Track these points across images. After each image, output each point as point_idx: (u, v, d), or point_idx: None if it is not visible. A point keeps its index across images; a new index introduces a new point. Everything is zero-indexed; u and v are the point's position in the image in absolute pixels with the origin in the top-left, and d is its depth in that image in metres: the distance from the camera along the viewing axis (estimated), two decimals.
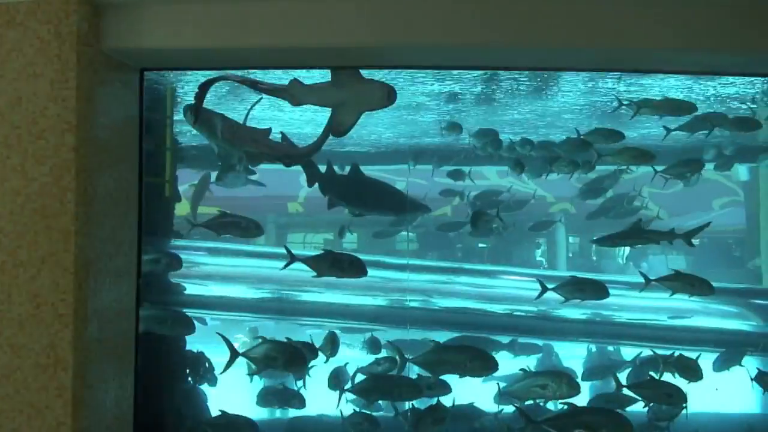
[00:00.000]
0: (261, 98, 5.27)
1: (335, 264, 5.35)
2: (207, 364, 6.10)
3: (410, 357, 5.20)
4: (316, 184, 6.41)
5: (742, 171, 9.41)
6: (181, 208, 7.00)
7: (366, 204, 6.54)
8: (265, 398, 6.36)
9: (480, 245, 10.59)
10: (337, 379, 5.89)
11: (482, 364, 5.07)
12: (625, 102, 6.01)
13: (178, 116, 5.70)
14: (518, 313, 7.28)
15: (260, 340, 5.36)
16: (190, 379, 6.09)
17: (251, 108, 5.39)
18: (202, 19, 3.91)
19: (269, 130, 5.15)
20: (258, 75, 5.55)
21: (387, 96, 4.24)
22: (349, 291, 7.40)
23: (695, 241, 11.97)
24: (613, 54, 4.12)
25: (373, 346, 6.71)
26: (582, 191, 8.22)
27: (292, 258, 5.37)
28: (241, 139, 5.19)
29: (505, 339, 6.84)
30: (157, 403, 5.40)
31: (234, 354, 5.08)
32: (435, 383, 5.38)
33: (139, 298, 4.40)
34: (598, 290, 5.75)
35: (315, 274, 5.34)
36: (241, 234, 5.95)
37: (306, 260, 5.36)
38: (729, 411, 6.36)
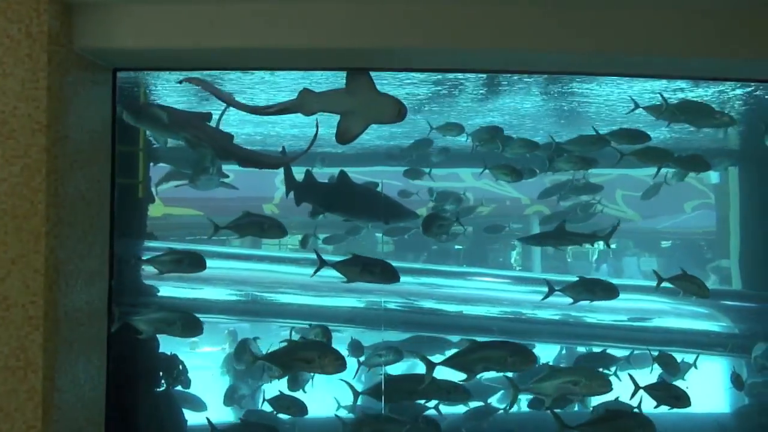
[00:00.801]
0: (228, 108, 5.25)
1: (366, 269, 5.32)
2: (180, 367, 6.06)
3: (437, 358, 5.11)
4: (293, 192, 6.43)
5: (713, 174, 9.51)
6: (155, 210, 6.97)
7: (352, 211, 6.51)
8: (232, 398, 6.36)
9: (456, 247, 10.64)
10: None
11: (523, 359, 4.99)
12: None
13: None
14: (491, 315, 7.33)
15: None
16: (163, 381, 6.06)
17: (221, 115, 5.44)
18: (175, 19, 3.89)
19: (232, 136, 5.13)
20: (231, 75, 5.59)
21: (398, 112, 4.22)
22: (324, 293, 7.40)
23: (666, 244, 12.15)
24: (593, 57, 4.17)
25: (356, 349, 6.71)
26: (541, 194, 8.32)
27: (321, 263, 5.35)
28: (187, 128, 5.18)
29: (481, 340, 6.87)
30: (130, 405, 5.36)
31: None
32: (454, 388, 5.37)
33: (112, 299, 4.37)
34: (608, 291, 5.74)
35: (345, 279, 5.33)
36: (263, 235, 5.90)
37: (336, 265, 5.31)
38: (699, 411, 6.43)
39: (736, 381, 6.34)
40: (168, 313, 5.40)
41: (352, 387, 5.61)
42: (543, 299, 5.75)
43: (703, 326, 7.18)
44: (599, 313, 7.17)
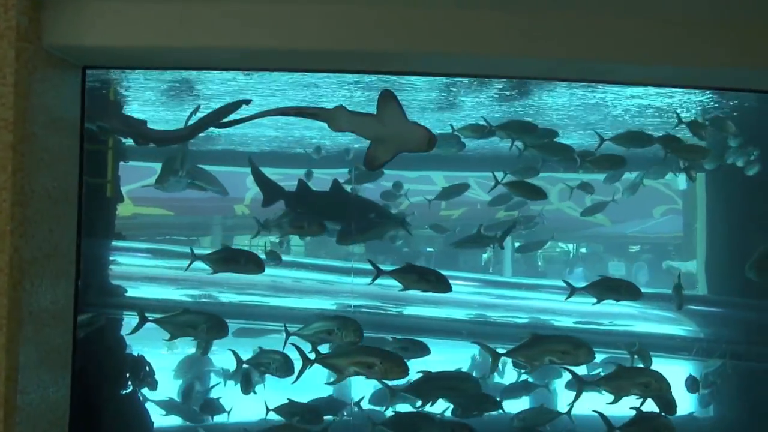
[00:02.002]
0: (199, 106, 5.37)
1: (422, 278, 5.47)
2: (147, 368, 6.01)
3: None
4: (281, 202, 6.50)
5: (680, 179, 9.65)
6: (123, 209, 6.91)
7: (342, 218, 6.50)
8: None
9: (428, 249, 10.68)
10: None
11: (586, 352, 5.13)
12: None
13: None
14: (461, 318, 7.37)
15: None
16: (130, 383, 6.00)
17: (192, 113, 5.46)
18: (147, 17, 3.85)
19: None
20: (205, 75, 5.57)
21: (427, 141, 4.23)
22: (294, 295, 7.40)
23: (635, 248, 12.31)
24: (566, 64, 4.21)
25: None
26: (492, 201, 8.45)
27: (378, 272, 5.44)
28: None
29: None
30: (95, 408, 5.29)
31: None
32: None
33: (78, 300, 4.31)
34: (632, 292, 5.87)
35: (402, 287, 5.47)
36: (306, 233, 6.09)
37: (392, 273, 5.43)
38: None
39: (692, 385, 6.42)
40: (193, 315, 5.42)
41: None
42: (566, 299, 5.89)
43: (669, 330, 7.29)
44: (567, 316, 7.25)
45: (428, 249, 10.78)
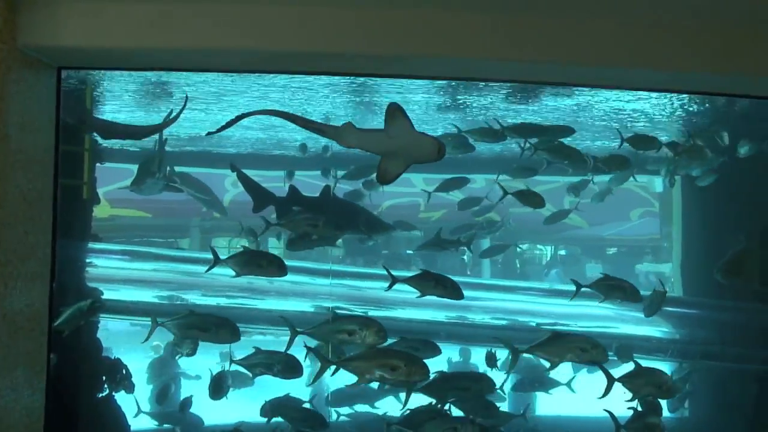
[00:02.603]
0: (171, 111, 5.38)
1: (438, 284, 5.56)
2: (124, 371, 5.97)
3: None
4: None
5: (657, 182, 9.75)
6: (100, 211, 6.84)
7: (334, 224, 6.49)
8: None
9: (407, 252, 10.69)
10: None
11: (602, 351, 5.29)
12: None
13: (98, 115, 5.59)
14: (438, 319, 7.38)
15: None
16: (106, 386, 5.95)
17: (174, 116, 5.45)
18: (123, 18, 3.83)
19: None
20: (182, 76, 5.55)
21: (437, 151, 4.22)
22: (271, 297, 7.37)
23: (612, 250, 12.40)
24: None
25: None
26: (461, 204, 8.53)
27: (393, 280, 5.49)
28: None
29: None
30: (71, 411, 5.25)
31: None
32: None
33: (53, 302, 4.27)
34: (633, 292, 5.98)
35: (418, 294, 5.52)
36: (318, 233, 6.10)
37: (408, 280, 5.50)
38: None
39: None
40: (203, 318, 5.39)
41: None
42: (572, 298, 5.90)
43: (645, 332, 7.34)
44: (545, 318, 7.29)
45: (408, 251, 10.79)
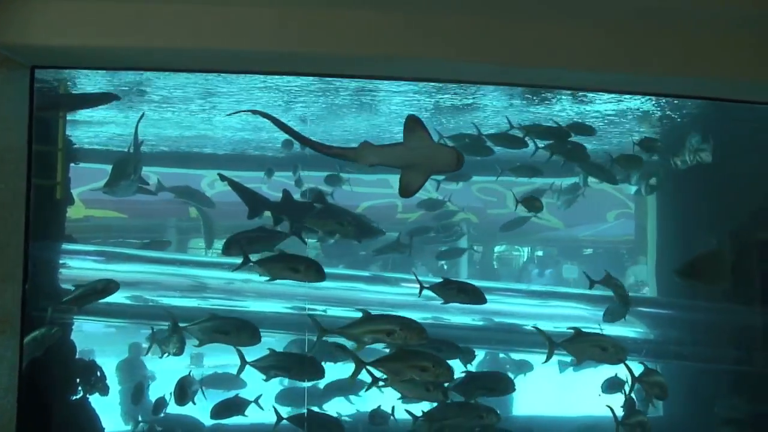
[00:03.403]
0: (143, 114, 5.52)
1: (461, 292, 5.71)
2: (99, 373, 5.92)
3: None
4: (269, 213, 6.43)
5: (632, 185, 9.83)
6: (74, 212, 6.80)
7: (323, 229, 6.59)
8: None
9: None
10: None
11: (621, 351, 5.52)
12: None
13: (72, 115, 5.54)
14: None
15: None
16: (80, 389, 5.90)
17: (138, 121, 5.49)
18: (97, 17, 3.80)
19: None
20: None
21: (456, 160, 4.28)
22: (248, 298, 7.35)
23: (588, 251, 12.48)
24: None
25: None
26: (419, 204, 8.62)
27: (421, 287, 5.61)
28: None
29: None
30: (44, 413, 5.19)
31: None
32: None
33: (26, 303, 4.23)
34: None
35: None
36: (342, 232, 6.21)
37: (433, 288, 5.66)
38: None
39: (610, 387, 6.52)
40: (223, 321, 5.39)
41: None
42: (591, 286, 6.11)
43: (618, 332, 7.39)
44: (519, 318, 7.32)
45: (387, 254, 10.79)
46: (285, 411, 6.02)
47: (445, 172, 4.56)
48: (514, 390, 6.07)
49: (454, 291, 5.70)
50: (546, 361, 5.65)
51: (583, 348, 5.56)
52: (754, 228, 7.59)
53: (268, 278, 5.24)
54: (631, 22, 4.12)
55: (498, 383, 6.02)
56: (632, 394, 6.04)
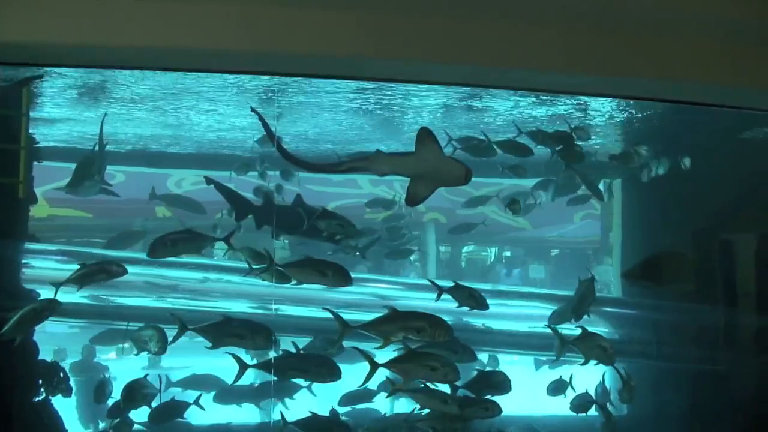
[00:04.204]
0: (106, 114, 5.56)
1: (472, 296, 5.88)
2: (61, 374, 5.84)
3: None
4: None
5: (600, 186, 9.94)
6: (38, 211, 6.70)
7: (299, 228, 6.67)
8: None
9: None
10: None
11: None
12: None
13: (36, 112, 5.47)
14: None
15: None
16: (42, 390, 5.82)
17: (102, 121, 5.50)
18: (61, 14, 3.75)
19: None
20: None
21: (464, 175, 4.38)
22: (213, 298, 7.31)
23: (554, 252, 12.60)
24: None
25: None
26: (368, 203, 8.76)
27: (440, 291, 5.74)
28: None
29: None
30: (5, 415, 5.12)
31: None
32: None
33: None
34: None
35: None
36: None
37: (449, 290, 5.80)
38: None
39: (556, 388, 6.62)
40: (240, 325, 5.33)
41: None
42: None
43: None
44: (486, 318, 7.36)
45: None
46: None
47: (452, 186, 4.62)
48: (510, 389, 6.15)
49: (466, 294, 5.89)
50: (556, 360, 5.99)
51: (590, 347, 5.79)
52: (717, 229, 7.72)
53: (295, 282, 5.35)
54: (598, 25, 4.18)
55: (502, 382, 6.15)
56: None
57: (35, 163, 6.34)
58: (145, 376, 5.82)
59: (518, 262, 12.35)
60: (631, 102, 6.38)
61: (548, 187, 8.00)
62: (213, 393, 6.62)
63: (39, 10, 3.77)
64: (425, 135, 4.29)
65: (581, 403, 6.48)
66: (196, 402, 6.06)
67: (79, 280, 5.14)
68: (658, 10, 4.26)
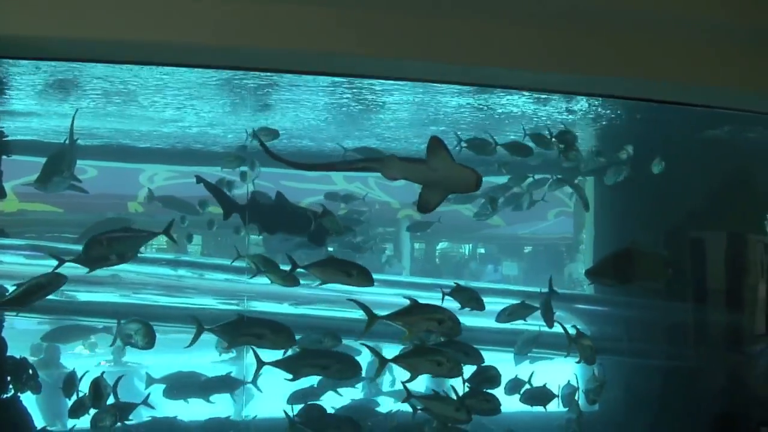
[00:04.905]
0: (77, 111, 5.57)
1: (473, 298, 6.10)
2: (30, 371, 5.77)
3: None
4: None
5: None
6: (7, 205, 6.61)
7: (283, 227, 6.91)
8: None
9: (328, 249, 10.67)
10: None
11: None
12: None
13: (4, 106, 5.38)
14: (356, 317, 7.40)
15: None
16: (11, 387, 5.75)
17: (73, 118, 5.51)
18: (23, 4, 3.69)
19: None
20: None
21: (476, 182, 4.44)
22: (184, 294, 7.27)
23: (528, 249, 12.67)
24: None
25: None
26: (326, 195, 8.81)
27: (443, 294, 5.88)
28: None
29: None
30: None
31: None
32: None
33: None
34: None
35: None
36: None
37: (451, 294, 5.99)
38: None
39: (513, 387, 6.68)
40: (261, 326, 5.40)
41: None
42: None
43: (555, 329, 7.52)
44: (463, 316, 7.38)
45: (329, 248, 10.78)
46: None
47: (464, 192, 4.84)
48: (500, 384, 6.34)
49: (468, 297, 6.06)
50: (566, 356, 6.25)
51: (586, 347, 6.09)
52: (689, 227, 7.82)
53: (320, 283, 5.45)
54: (571, 23, 4.21)
55: (494, 377, 6.30)
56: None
57: (4, 157, 6.26)
58: (102, 374, 5.71)
59: (492, 259, 12.41)
60: (599, 100, 6.45)
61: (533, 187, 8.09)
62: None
63: (3, 1, 3.71)
64: (436, 144, 4.36)
65: (533, 396, 6.61)
66: (145, 402, 5.96)
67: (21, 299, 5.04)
68: (638, 11, 4.31)
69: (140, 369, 7.01)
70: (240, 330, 5.44)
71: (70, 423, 5.64)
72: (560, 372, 6.90)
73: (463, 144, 6.83)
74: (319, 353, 5.90)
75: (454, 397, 5.71)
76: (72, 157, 5.81)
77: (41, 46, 4.00)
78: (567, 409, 6.71)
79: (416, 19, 4.01)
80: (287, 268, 5.61)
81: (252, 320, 5.55)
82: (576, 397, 6.70)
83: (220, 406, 6.64)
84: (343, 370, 5.76)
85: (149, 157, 8.66)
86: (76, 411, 5.63)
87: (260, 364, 5.49)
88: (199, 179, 6.98)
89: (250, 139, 6.71)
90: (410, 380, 5.34)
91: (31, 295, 4.98)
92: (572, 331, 6.39)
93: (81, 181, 6.38)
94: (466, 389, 5.88)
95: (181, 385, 6.63)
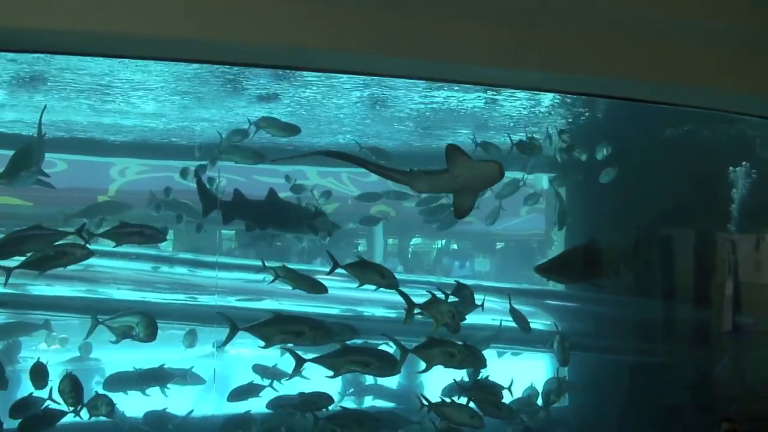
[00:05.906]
0: (45, 106, 5.64)
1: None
2: None
3: None
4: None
5: (543, 180, 10.07)
6: None
7: (275, 223, 7.10)
8: None
9: (301, 245, 10.65)
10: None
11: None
12: None
13: None
14: (332, 313, 7.43)
15: None
16: None
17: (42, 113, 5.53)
18: None
19: None
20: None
21: (498, 172, 4.63)
22: (155, 289, 7.24)
23: (500, 245, 12.75)
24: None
25: (192, 338, 6.98)
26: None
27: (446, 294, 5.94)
28: None
29: None
30: None
31: None
32: None
33: None
34: None
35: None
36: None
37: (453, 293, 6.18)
38: None
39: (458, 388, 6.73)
40: (302, 325, 5.54)
41: None
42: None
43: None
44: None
45: (301, 245, 10.76)
46: None
47: (492, 185, 5.08)
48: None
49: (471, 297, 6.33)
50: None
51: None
52: (659, 224, 7.91)
53: (358, 284, 5.69)
54: (542, 21, 4.25)
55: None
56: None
57: None
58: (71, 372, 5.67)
59: (465, 254, 12.46)
60: (569, 98, 6.52)
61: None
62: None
63: None
64: (453, 151, 4.52)
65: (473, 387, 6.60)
66: (50, 398, 5.70)
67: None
68: (611, 10, 4.36)
69: (101, 365, 6.95)
70: (276, 328, 5.57)
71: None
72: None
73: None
74: (360, 350, 5.97)
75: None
76: (40, 152, 5.74)
77: (7, 36, 3.94)
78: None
79: (385, 15, 4.02)
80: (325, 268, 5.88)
81: (287, 318, 5.68)
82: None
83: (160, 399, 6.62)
84: (383, 368, 5.86)
85: (121, 150, 8.58)
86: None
87: (300, 361, 5.60)
88: (197, 173, 7.05)
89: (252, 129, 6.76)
90: (426, 370, 5.67)
91: (50, 261, 5.20)
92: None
93: (49, 176, 6.30)
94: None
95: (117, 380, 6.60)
